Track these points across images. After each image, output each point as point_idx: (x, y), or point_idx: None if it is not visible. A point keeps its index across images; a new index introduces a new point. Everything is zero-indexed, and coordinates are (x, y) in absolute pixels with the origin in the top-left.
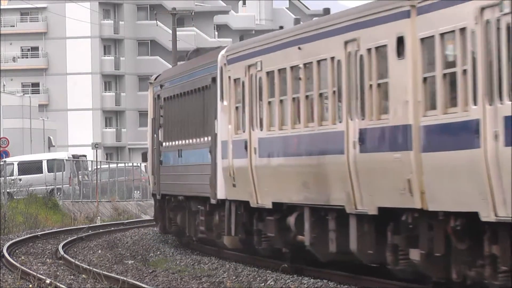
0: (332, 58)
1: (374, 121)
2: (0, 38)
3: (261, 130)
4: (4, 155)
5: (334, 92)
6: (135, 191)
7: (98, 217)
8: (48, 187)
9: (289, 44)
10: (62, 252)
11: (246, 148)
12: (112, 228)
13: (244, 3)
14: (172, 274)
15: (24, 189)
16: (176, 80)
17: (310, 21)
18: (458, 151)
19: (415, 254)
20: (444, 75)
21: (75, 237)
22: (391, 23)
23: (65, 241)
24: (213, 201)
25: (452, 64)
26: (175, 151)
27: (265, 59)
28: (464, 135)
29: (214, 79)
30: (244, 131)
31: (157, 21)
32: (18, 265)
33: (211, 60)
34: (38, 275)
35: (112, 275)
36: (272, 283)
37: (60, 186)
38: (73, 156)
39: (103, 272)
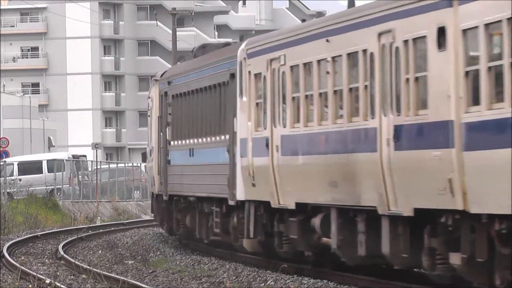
0: (364, 51)
1: (411, 117)
2: (0, 38)
3: (284, 127)
4: (4, 155)
5: (366, 86)
6: (135, 191)
7: (98, 217)
8: (48, 187)
9: (315, 37)
10: (62, 252)
11: (267, 146)
12: (112, 228)
13: (244, 3)
14: (172, 274)
15: (24, 189)
16: (187, 77)
17: (338, 12)
18: (505, 149)
19: (455, 259)
20: (489, 68)
21: (75, 237)
22: (431, 12)
23: (65, 241)
24: (231, 203)
25: (498, 57)
26: (185, 150)
27: (289, 53)
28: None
29: (233, 75)
30: (265, 128)
31: (157, 21)
32: (18, 265)
33: (230, 55)
34: (38, 275)
35: (112, 275)
36: (272, 283)
37: (60, 186)
38: (73, 156)
39: (103, 273)
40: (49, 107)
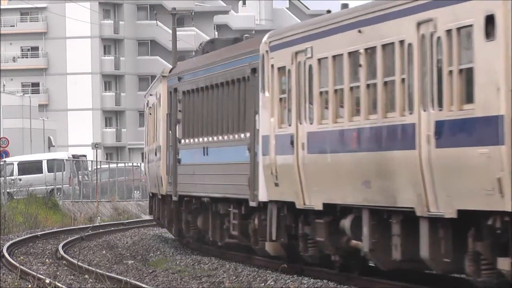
0: (401, 42)
1: (454, 111)
2: (0, 38)
3: (311, 123)
4: (4, 155)
5: (403, 80)
6: (135, 191)
7: (98, 217)
8: (48, 187)
9: (346, 27)
10: (62, 252)
11: (292, 143)
12: (112, 228)
13: (244, 3)
14: (172, 274)
15: (24, 189)
16: (200, 72)
17: (372, 1)
18: None
19: (504, 264)
20: None
21: (75, 237)
22: (478, 0)
23: (65, 241)
24: (252, 204)
25: None
26: (198, 148)
27: (316, 45)
28: None
29: (254, 70)
30: (289, 125)
31: (157, 21)
32: (18, 265)
33: (251, 49)
34: (38, 275)
35: (114, 275)
36: (272, 283)
37: (60, 186)
38: (73, 156)
39: (106, 273)
40: (49, 107)
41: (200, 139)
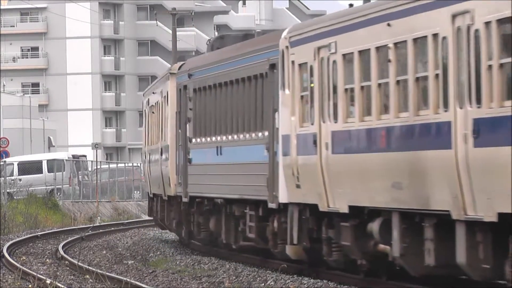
0: (435, 35)
1: (495, 109)
2: (0, 38)
3: (336, 122)
4: (4, 155)
5: (436, 75)
6: (135, 191)
7: (98, 217)
8: (48, 187)
9: (374, 21)
10: (62, 252)
11: (315, 143)
12: (112, 228)
13: (244, 3)
14: (172, 274)
15: (24, 189)
16: (213, 69)
17: None
18: None
19: None
20: None
21: (76, 237)
22: None
23: (65, 241)
24: (272, 205)
25: None
26: (211, 148)
27: (340, 40)
28: None
29: (273, 66)
30: (312, 124)
31: (157, 21)
32: (18, 265)
33: (270, 44)
34: (38, 275)
35: (115, 276)
36: (272, 283)
37: (60, 186)
38: (73, 156)
39: (107, 273)
40: (49, 107)
41: (213, 138)
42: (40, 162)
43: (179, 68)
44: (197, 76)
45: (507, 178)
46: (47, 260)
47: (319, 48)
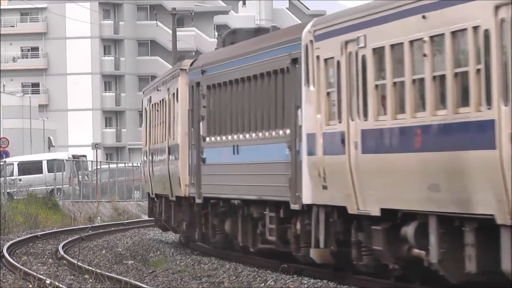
0: (476, 28)
1: None
2: (0, 38)
3: (366, 120)
4: (4, 155)
5: (478, 70)
6: (135, 191)
7: (98, 217)
8: (48, 187)
9: (407, 13)
10: (62, 252)
11: (343, 142)
12: (112, 228)
13: (244, 3)
14: (172, 274)
15: (24, 189)
16: (228, 65)
17: None
18: None
19: None
20: None
21: (75, 237)
22: None
23: (65, 241)
24: (294, 207)
25: None
26: (227, 147)
27: (370, 33)
28: None
29: (295, 60)
30: (339, 122)
31: (157, 21)
32: (18, 265)
33: (291, 38)
34: (38, 275)
35: (115, 276)
36: (272, 283)
37: (60, 186)
38: (73, 156)
39: (106, 273)
40: (49, 107)
41: (229, 137)
42: (40, 162)
43: (190, 65)
44: (211, 72)
45: None
46: (47, 260)
47: (346, 42)
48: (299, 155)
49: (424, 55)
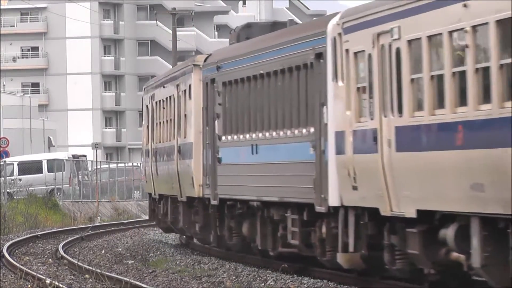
0: None
1: None
2: (0, 38)
3: (400, 116)
4: (4, 155)
5: None
6: (135, 191)
7: (98, 217)
8: (48, 187)
9: (446, 2)
10: (62, 252)
11: (375, 139)
12: (112, 228)
13: (244, 3)
14: (172, 274)
15: (24, 189)
16: (246, 60)
17: None
18: None
19: None
20: None
21: (75, 237)
22: None
23: (65, 241)
24: (320, 209)
25: None
26: (245, 146)
27: (405, 24)
28: None
29: (319, 55)
30: (371, 119)
31: (157, 21)
32: (18, 265)
33: (315, 31)
34: (38, 275)
35: (113, 275)
36: (272, 283)
37: (60, 186)
38: (73, 156)
39: (107, 273)
40: (49, 107)
41: (247, 136)
42: (40, 162)
43: (204, 61)
44: (227, 68)
45: None
46: (47, 260)
47: (379, 34)
48: (325, 154)
49: (466, 46)
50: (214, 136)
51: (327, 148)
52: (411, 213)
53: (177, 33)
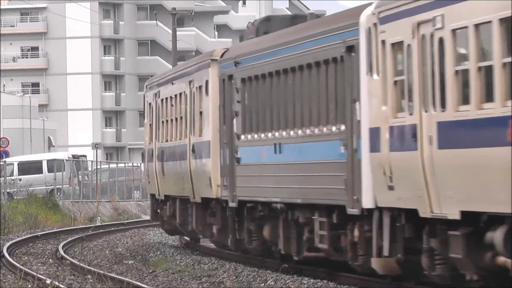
0: None
1: None
2: (0, 38)
3: (443, 110)
4: (4, 155)
5: None
6: (135, 191)
7: (98, 217)
8: (48, 187)
9: None
10: (62, 252)
11: (414, 136)
12: (112, 228)
13: (244, 3)
14: (172, 274)
15: (24, 189)
16: (268, 55)
17: None
18: None
19: None
20: None
21: (75, 237)
22: None
23: (65, 241)
24: (353, 211)
25: None
26: (267, 145)
27: (449, 12)
28: None
29: (350, 48)
30: (410, 114)
31: (157, 21)
32: (18, 265)
33: (346, 23)
34: (38, 275)
35: (113, 275)
36: (272, 283)
37: (60, 186)
38: (73, 156)
39: (109, 274)
40: (49, 107)
41: (269, 134)
42: (40, 162)
43: (221, 55)
44: (246, 63)
45: None
46: (47, 260)
47: (419, 24)
48: (357, 153)
49: None
50: (232, 135)
51: (361, 146)
52: (454, 215)
53: (177, 33)
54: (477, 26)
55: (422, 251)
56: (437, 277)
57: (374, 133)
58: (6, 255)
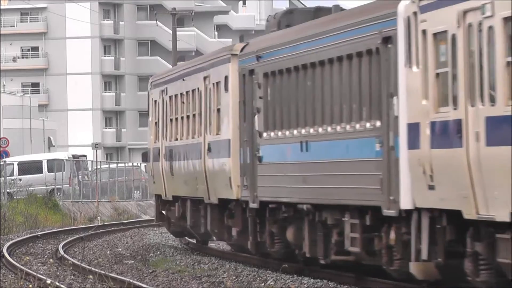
0: None
1: None
2: (0, 38)
3: (492, 105)
4: (4, 155)
5: None
6: (135, 191)
7: (98, 217)
8: (48, 187)
9: None
10: (62, 252)
11: (459, 132)
12: (112, 228)
13: (244, 3)
14: (172, 274)
15: (24, 189)
16: (293, 48)
17: None
18: None
19: None
20: None
21: (75, 237)
22: None
23: (65, 241)
24: (389, 213)
25: None
26: (292, 143)
27: None
28: None
29: (386, 39)
30: (455, 108)
31: (157, 21)
32: (18, 265)
33: (381, 13)
34: (38, 275)
35: (113, 275)
36: (272, 283)
37: (60, 186)
38: (73, 156)
39: (106, 273)
40: (49, 107)
41: (295, 132)
42: (40, 162)
43: (242, 50)
44: (269, 58)
45: None
46: (47, 260)
47: (465, 12)
48: (395, 151)
49: None
50: (253, 133)
51: (398, 144)
52: (503, 216)
53: (177, 33)
54: None
55: (465, 255)
56: (482, 283)
57: (413, 129)
58: (6, 255)
